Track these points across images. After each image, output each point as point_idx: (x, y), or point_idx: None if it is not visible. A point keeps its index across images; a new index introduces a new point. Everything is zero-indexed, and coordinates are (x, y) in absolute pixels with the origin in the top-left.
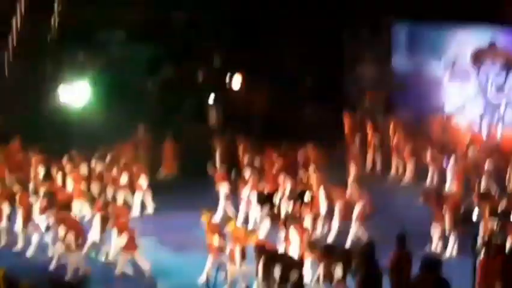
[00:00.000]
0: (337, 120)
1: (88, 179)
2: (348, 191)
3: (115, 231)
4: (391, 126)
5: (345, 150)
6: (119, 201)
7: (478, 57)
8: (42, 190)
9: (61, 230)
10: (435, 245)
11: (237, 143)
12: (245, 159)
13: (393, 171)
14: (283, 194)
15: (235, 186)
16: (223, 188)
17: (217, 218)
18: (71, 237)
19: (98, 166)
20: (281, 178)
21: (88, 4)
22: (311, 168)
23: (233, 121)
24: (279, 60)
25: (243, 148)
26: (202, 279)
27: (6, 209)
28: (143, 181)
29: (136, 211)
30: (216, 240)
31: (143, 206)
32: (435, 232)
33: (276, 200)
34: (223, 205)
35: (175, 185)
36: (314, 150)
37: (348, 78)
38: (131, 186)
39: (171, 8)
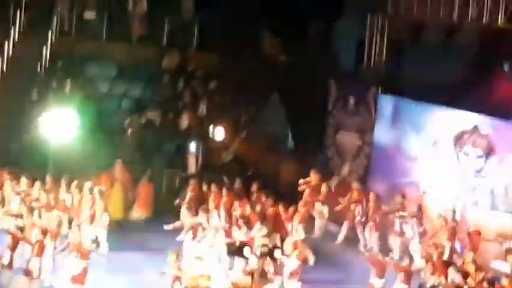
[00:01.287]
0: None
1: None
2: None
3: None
4: (365, 196)
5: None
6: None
7: (460, 139)
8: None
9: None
10: None
11: (210, 191)
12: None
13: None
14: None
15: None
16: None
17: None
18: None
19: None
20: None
21: (80, 36)
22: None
23: (212, 171)
24: (264, 115)
25: (215, 196)
26: None
27: None
28: (105, 217)
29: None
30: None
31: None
32: None
33: (246, 253)
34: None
35: (146, 225)
36: (285, 209)
37: (330, 144)
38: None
39: (164, 48)
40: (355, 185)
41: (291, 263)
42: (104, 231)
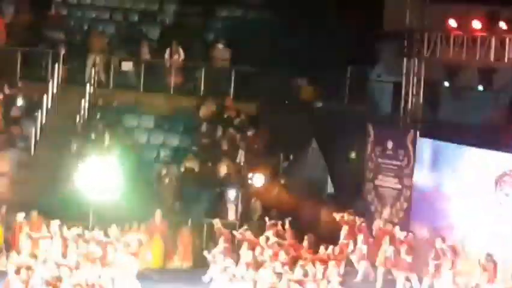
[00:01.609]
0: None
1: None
2: None
3: None
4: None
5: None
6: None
7: (500, 181)
8: None
9: None
10: None
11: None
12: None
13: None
14: None
15: None
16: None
17: None
18: None
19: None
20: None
21: (118, 88)
22: None
23: (252, 218)
24: (303, 161)
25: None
26: None
27: None
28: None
29: None
30: None
31: None
32: None
33: None
34: None
35: (186, 275)
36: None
37: (369, 188)
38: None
39: (201, 97)
40: (398, 231)
41: None
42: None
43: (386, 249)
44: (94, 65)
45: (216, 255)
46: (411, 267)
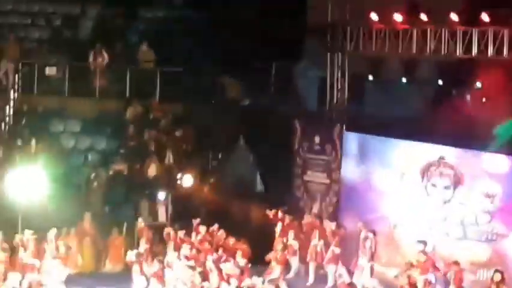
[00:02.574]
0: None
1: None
2: None
3: None
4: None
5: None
6: None
7: (427, 171)
8: None
9: None
10: None
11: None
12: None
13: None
14: None
15: None
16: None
17: None
18: None
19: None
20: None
21: (42, 94)
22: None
23: (182, 218)
24: (231, 160)
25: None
26: None
27: None
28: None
29: None
30: None
31: None
32: None
33: None
34: None
35: (118, 278)
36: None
37: (298, 184)
38: None
39: (127, 100)
40: (328, 223)
41: None
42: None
43: (316, 243)
44: (6, 71)
45: (139, 256)
46: (341, 261)
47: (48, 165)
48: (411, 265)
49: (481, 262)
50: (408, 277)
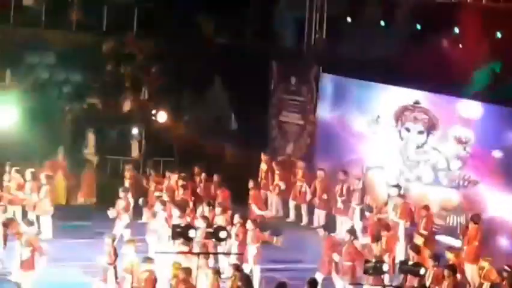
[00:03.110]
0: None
1: None
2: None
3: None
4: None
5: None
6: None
7: (401, 115)
8: None
9: None
10: None
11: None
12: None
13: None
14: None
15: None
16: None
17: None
18: None
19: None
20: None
21: (18, 25)
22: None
23: (155, 155)
24: (207, 98)
25: (157, 180)
26: None
27: None
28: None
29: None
30: None
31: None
32: None
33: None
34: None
35: (90, 211)
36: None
37: (273, 124)
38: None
39: (103, 34)
40: (300, 164)
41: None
42: (48, 218)
43: (301, 184)
44: None
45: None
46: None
47: (22, 97)
48: (385, 205)
49: (451, 207)
50: (379, 220)
